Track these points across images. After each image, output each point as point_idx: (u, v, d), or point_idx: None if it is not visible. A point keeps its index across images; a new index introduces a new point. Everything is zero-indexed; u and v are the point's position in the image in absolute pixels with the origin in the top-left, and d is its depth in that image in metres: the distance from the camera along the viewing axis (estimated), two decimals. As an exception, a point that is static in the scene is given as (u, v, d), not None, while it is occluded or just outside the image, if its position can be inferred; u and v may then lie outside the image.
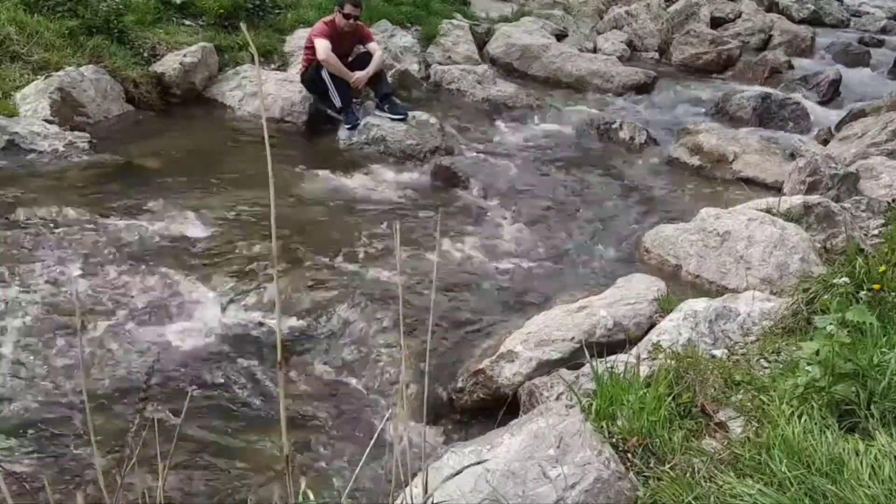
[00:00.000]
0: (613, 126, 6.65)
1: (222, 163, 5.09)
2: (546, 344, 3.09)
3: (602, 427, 2.19)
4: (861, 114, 6.78)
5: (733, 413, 2.31)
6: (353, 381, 3.16)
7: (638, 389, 2.33)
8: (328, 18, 5.86)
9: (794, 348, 2.59)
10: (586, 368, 2.72)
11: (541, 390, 2.84)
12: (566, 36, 9.54)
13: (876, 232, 4.11)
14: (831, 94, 8.43)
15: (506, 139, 6.45)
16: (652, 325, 3.19)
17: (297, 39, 7.03)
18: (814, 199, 4.40)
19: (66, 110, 5.21)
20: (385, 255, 4.07)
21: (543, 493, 1.91)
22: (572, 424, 2.11)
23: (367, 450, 2.72)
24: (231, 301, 3.54)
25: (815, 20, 12.42)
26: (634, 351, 2.88)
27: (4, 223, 3.82)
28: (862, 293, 2.67)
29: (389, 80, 6.44)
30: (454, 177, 5.31)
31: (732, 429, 2.24)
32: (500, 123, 6.80)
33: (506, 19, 9.56)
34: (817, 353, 2.25)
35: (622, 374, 2.47)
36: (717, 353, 2.74)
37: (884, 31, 12.82)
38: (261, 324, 3.43)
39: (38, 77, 5.29)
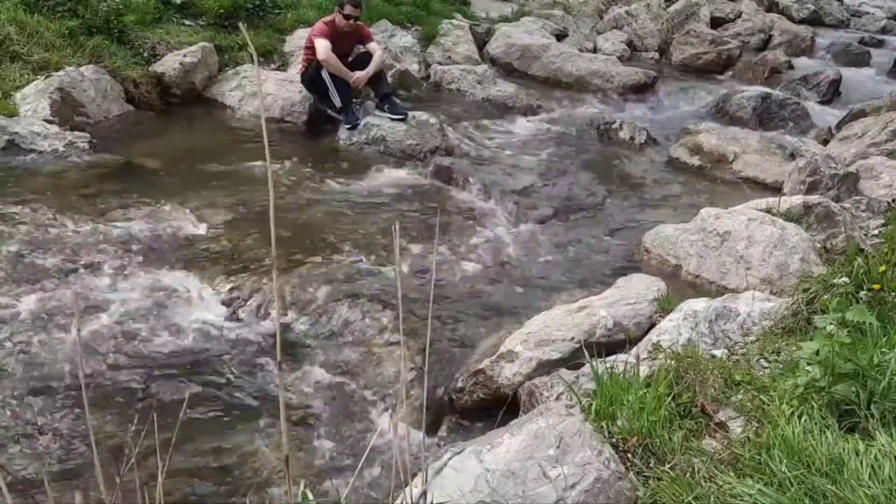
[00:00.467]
0: (613, 126, 6.65)
1: (222, 163, 5.09)
2: (546, 344, 3.09)
3: (602, 427, 2.19)
4: (861, 114, 6.78)
5: (733, 413, 2.31)
6: (353, 381, 3.16)
7: (638, 389, 2.33)
8: (328, 18, 5.86)
9: (794, 348, 2.59)
10: (586, 368, 2.72)
11: (541, 390, 2.84)
12: (566, 36, 9.54)
13: (876, 232, 4.11)
14: (831, 94, 8.44)
15: (506, 139, 6.45)
16: (652, 325, 3.19)
17: (297, 39, 7.03)
18: (814, 199, 4.40)
19: (66, 110, 5.21)
20: (385, 254, 4.07)
21: (543, 493, 1.91)
22: (572, 424, 2.11)
23: (367, 450, 2.73)
24: (231, 301, 3.55)
25: (815, 20, 12.43)
26: (634, 351, 2.88)
27: (4, 223, 3.82)
28: (862, 293, 2.67)
29: (389, 80, 6.45)
30: (454, 177, 5.31)
31: (732, 429, 2.24)
32: (500, 123, 6.80)
33: (506, 19, 9.56)
34: (817, 353, 2.25)
35: (622, 374, 2.47)
36: (717, 353, 2.74)
37: (884, 31, 12.82)
38: (260, 323, 3.43)
39: (38, 77, 5.29)
